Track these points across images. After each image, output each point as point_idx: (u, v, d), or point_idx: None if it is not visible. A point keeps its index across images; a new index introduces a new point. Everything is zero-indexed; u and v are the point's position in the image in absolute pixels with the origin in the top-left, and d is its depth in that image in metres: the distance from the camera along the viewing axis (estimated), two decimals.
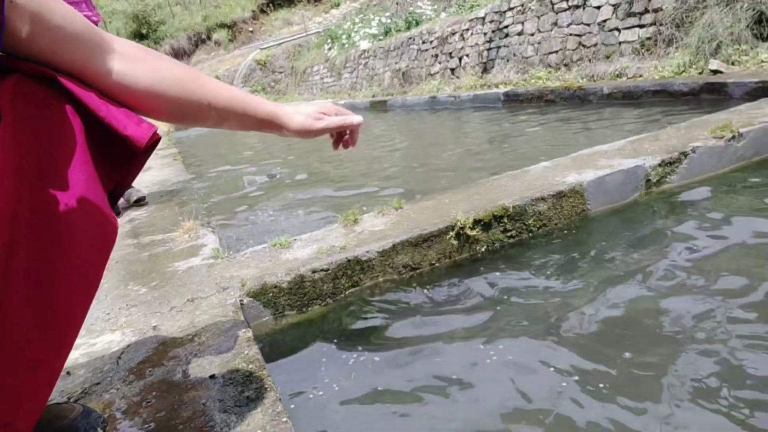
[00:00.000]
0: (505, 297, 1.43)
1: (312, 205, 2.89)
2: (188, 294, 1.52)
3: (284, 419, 0.87)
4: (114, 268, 1.92)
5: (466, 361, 1.19)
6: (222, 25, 22.74)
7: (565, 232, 1.74)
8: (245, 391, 0.96)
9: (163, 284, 1.64)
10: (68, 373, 1.16)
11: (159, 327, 1.34)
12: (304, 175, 3.89)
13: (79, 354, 1.26)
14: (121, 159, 0.84)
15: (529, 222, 1.73)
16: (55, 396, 1.06)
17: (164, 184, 3.57)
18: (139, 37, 22.78)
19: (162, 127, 10.89)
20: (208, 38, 22.74)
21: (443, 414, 1.04)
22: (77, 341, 1.29)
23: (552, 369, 1.10)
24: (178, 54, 22.45)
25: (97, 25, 2.40)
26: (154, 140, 0.83)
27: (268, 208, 3.04)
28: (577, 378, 1.06)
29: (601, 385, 1.03)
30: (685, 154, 1.96)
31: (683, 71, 4.29)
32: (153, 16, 23.20)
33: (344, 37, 12.48)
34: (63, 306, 0.72)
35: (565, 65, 5.84)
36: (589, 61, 5.51)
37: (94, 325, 1.44)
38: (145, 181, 3.86)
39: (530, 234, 1.73)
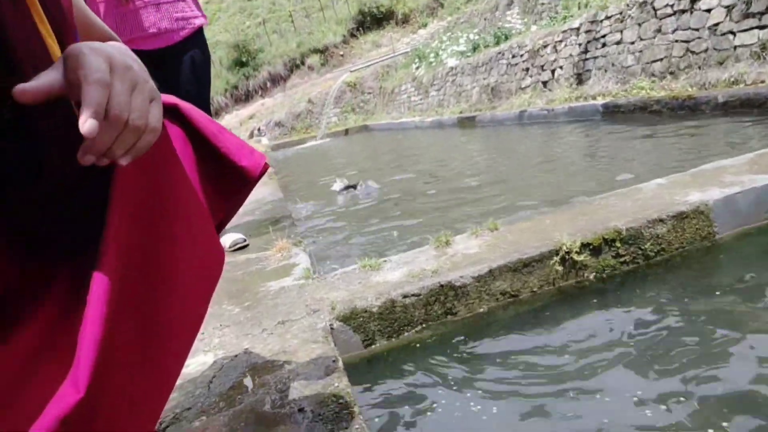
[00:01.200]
0: (620, 336, 1.27)
1: (396, 221, 2.83)
2: (279, 316, 1.50)
3: None
4: None
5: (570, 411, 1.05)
6: (315, 51, 23.70)
7: (689, 259, 1.53)
8: (335, 430, 0.90)
9: (256, 305, 1.64)
10: None
11: (250, 350, 1.33)
12: (385, 188, 3.85)
13: None
14: (232, 188, 0.84)
15: (646, 246, 1.54)
16: None
17: (260, 203, 3.69)
18: (239, 64, 24.29)
19: (259, 148, 11.50)
20: (302, 63, 23.78)
21: None
22: None
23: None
24: (275, 79, 23.67)
25: (203, 27, 2.43)
26: (265, 170, 0.83)
27: (356, 223, 3.02)
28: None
29: None
30: None
31: None
32: (252, 45, 24.67)
33: (432, 55, 12.51)
34: (169, 340, 0.70)
35: (671, 73, 5.41)
36: (699, 68, 5.06)
37: None
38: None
39: (647, 260, 1.55)
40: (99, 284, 0.58)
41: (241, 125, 20.73)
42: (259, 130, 18.55)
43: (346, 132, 14.75)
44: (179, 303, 0.72)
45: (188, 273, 0.74)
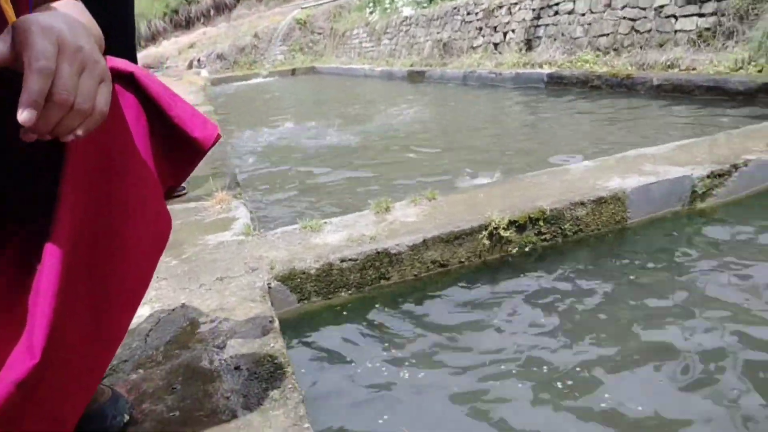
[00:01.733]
0: (534, 304, 1.40)
1: (338, 174, 2.87)
2: (218, 272, 1.53)
3: (306, 425, 0.87)
4: None
5: (482, 359, 1.18)
6: None
7: (600, 240, 1.69)
8: (269, 389, 0.97)
9: (194, 258, 1.66)
10: None
11: (188, 305, 1.36)
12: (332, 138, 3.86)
13: None
14: (183, 157, 0.86)
15: (566, 227, 1.68)
16: None
17: None
18: None
19: (198, 81, 10.94)
20: None
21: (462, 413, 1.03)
22: None
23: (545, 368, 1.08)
24: (220, 7, 22.32)
25: None
26: (216, 140, 0.85)
27: (298, 173, 3.04)
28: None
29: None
30: (736, 167, 1.87)
31: (740, 68, 4.07)
32: None
33: (387, 1, 12.19)
34: (118, 300, 0.73)
35: (615, 50, 5.60)
36: (641, 47, 5.27)
37: None
38: None
39: (565, 238, 1.69)
40: (53, 252, 0.61)
41: (179, 54, 19.56)
42: (198, 61, 17.59)
43: (293, 72, 14.31)
44: (128, 267, 0.75)
45: (137, 239, 0.77)
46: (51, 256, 0.62)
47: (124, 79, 0.78)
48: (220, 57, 17.42)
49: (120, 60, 0.80)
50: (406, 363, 1.24)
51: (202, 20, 22.33)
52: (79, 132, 0.58)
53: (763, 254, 1.51)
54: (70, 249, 0.64)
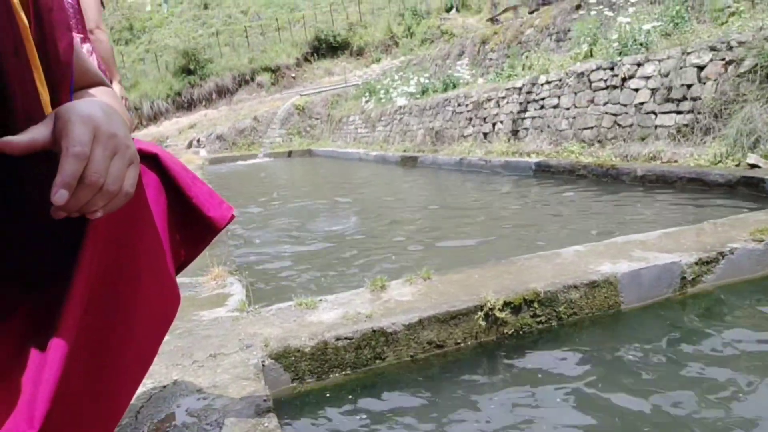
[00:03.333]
0: (528, 392, 1.39)
1: (335, 254, 2.90)
2: (211, 348, 1.52)
3: None
4: None
5: None
6: (266, 69, 23.63)
7: (596, 324, 1.70)
8: None
9: (187, 334, 1.64)
10: None
11: (180, 382, 1.34)
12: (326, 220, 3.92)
13: None
14: (197, 235, 0.89)
15: (560, 309, 1.70)
16: None
17: None
18: (186, 72, 23.77)
19: (196, 160, 11.22)
20: (252, 79, 23.61)
21: None
22: None
23: None
24: (222, 91, 23.32)
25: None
26: (231, 220, 0.89)
27: (294, 252, 3.05)
28: None
29: None
30: (722, 255, 1.92)
31: (719, 161, 4.27)
32: (202, 54, 24.27)
33: (382, 91, 12.83)
34: (123, 374, 0.73)
35: (599, 142, 5.87)
36: (624, 140, 5.53)
37: None
38: None
39: (560, 322, 1.70)
40: (66, 322, 0.62)
41: (180, 133, 20.16)
42: (198, 141, 18.11)
43: (290, 154, 14.73)
44: (135, 342, 0.76)
45: (146, 314, 0.78)
46: (64, 326, 0.62)
47: (148, 159, 0.82)
48: (220, 138, 17.97)
49: (145, 142, 0.85)
50: None
51: (203, 103, 23.25)
52: (105, 210, 0.62)
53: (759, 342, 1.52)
54: (81, 321, 0.65)
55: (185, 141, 18.41)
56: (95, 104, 0.63)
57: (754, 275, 1.96)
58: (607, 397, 1.32)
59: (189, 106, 23.34)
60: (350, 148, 12.22)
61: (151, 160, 0.82)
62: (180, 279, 2.26)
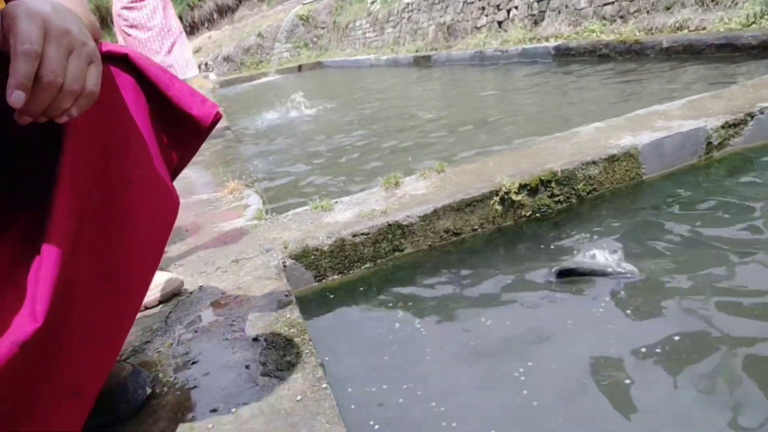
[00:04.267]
0: (549, 265, 1.39)
1: (350, 158, 2.87)
2: (232, 255, 1.55)
3: (324, 385, 0.87)
4: None
5: (503, 333, 1.17)
6: None
7: (617, 197, 1.66)
8: (286, 355, 0.98)
9: (209, 244, 1.68)
10: None
11: (205, 287, 1.38)
12: (342, 130, 3.86)
13: None
14: (185, 136, 0.87)
15: (579, 187, 1.66)
16: None
17: (210, 143, 3.62)
18: None
19: (206, 85, 11.03)
20: None
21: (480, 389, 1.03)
22: None
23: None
24: (222, 10, 22.41)
25: None
26: (217, 119, 0.86)
27: (308, 160, 3.04)
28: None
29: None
30: (751, 115, 1.82)
31: (753, 22, 3.95)
32: None
33: None
34: (127, 278, 0.75)
35: (621, 17, 5.49)
36: (648, 12, 5.16)
37: None
38: None
39: (579, 199, 1.67)
40: (53, 226, 0.62)
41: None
42: (206, 65, 17.70)
43: (300, 68, 14.31)
44: (136, 244, 0.76)
45: (144, 216, 0.78)
46: (52, 230, 0.63)
47: (120, 61, 0.78)
48: (227, 59, 17.51)
49: (115, 45, 0.81)
50: (424, 330, 1.24)
51: (206, 24, 22.45)
52: (73, 112, 0.59)
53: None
54: (71, 223, 0.65)
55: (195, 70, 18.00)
56: (44, 1, 0.58)
57: None
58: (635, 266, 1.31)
59: (191, 29, 22.58)
60: (360, 55, 11.77)
61: (122, 61, 0.78)
62: (198, 196, 2.29)
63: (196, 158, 3.12)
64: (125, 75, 0.79)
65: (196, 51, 20.00)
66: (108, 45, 0.78)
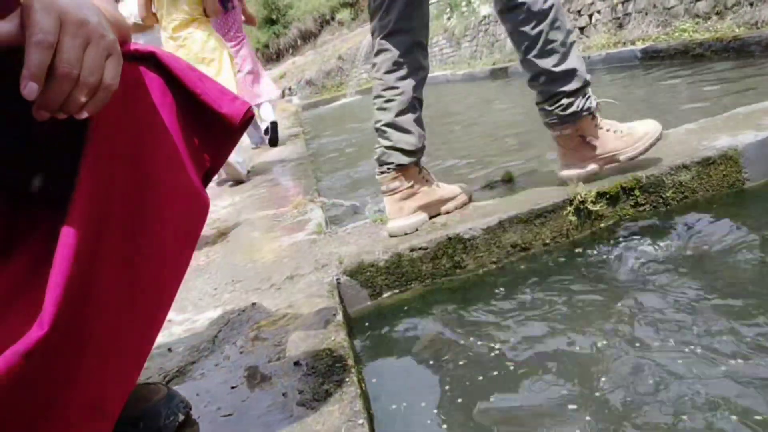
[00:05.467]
0: (635, 293, 1.21)
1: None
2: (288, 271, 1.50)
3: (360, 421, 0.78)
4: (227, 243, 1.98)
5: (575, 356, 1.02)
6: (344, 4, 23.16)
7: (714, 206, 1.44)
8: (325, 383, 0.89)
9: (268, 259, 1.65)
10: (169, 349, 1.19)
11: (257, 305, 1.34)
12: None
13: (182, 330, 1.29)
14: (216, 136, 0.84)
15: (668, 195, 1.46)
16: (154, 373, 1.09)
17: (284, 162, 3.69)
18: (269, 22, 24.05)
19: (290, 108, 11.46)
20: (332, 18, 23.33)
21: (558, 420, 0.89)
22: (182, 316, 1.33)
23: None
24: (306, 36, 23.38)
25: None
26: (248, 117, 0.82)
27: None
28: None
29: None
30: None
31: None
32: (281, 1, 24.30)
33: (464, 3, 12.03)
34: (152, 286, 0.71)
35: (717, 13, 5.03)
36: (751, 5, 4.68)
37: (202, 300, 1.48)
38: (270, 156, 4.06)
39: (668, 208, 1.46)
40: (68, 229, 0.59)
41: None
42: (290, 89, 18.47)
43: None
44: (163, 251, 0.72)
45: (172, 222, 0.74)
46: (65, 234, 0.59)
47: (147, 60, 0.76)
48: (309, 83, 18.19)
49: (141, 44, 0.78)
50: (483, 356, 1.11)
51: (290, 51, 23.53)
52: (90, 108, 0.57)
53: None
54: (88, 227, 0.61)
55: (278, 91, 18.86)
56: None
57: None
58: (728, 295, 1.11)
59: (277, 56, 23.76)
60: (436, 72, 11.74)
61: (149, 60, 0.75)
62: (264, 212, 2.30)
63: (267, 176, 3.19)
64: (153, 74, 0.76)
65: (281, 76, 20.97)
66: (135, 44, 0.76)
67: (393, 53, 1.49)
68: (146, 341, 0.72)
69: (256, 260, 1.67)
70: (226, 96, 0.80)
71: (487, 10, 10.32)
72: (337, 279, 1.40)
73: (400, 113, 1.50)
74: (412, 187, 1.53)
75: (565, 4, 7.46)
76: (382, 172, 1.54)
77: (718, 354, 0.92)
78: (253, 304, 1.35)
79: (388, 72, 1.50)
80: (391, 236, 1.51)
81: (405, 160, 1.51)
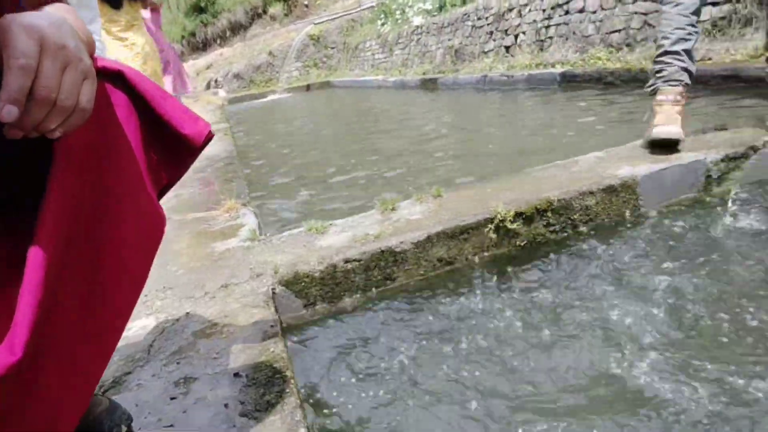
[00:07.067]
0: (541, 302, 1.36)
1: (351, 184, 2.86)
2: (222, 279, 1.53)
3: (302, 430, 0.84)
4: None
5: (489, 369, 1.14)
6: None
7: (613, 228, 1.63)
8: (266, 394, 0.95)
9: (201, 266, 1.66)
10: None
11: (192, 314, 1.35)
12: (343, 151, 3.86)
13: None
14: (176, 155, 0.85)
15: (575, 217, 1.63)
16: None
17: (212, 160, 3.63)
18: (198, 10, 23.18)
19: (215, 101, 11.13)
20: (264, 12, 22.85)
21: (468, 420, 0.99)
22: None
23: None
24: (235, 27, 22.73)
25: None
26: (209, 138, 0.84)
27: (309, 180, 3.03)
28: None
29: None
30: (754, 149, 1.79)
31: (761, 55, 3.94)
32: None
33: (398, 12, 12.25)
34: (111, 304, 0.72)
35: (628, 45, 5.51)
36: (654, 41, 5.17)
37: None
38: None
39: (575, 230, 1.64)
40: (38, 249, 0.59)
41: (197, 75, 19.90)
42: (216, 81, 17.91)
43: (308, 87, 14.44)
44: (121, 266, 0.73)
45: (130, 236, 0.75)
46: (35, 254, 0.60)
47: (113, 78, 0.77)
48: (237, 76, 17.71)
49: (109, 60, 0.80)
50: (409, 365, 1.20)
51: (218, 41, 22.77)
52: (64, 129, 0.59)
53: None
54: (56, 246, 0.62)
55: (203, 82, 18.22)
56: (42, 15, 0.58)
57: None
58: (628, 297, 1.28)
59: (204, 46, 22.91)
60: (368, 76, 11.88)
61: (116, 78, 0.76)
62: (193, 214, 2.27)
63: (196, 175, 3.13)
64: (118, 92, 0.77)
65: (208, 67, 20.26)
66: (103, 60, 0.77)
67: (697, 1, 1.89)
68: (103, 359, 0.73)
69: (188, 266, 1.67)
70: (189, 116, 0.83)
71: (419, 20, 10.58)
72: (273, 289, 1.44)
73: (693, 46, 1.92)
74: (683, 103, 1.90)
75: (494, 23, 7.83)
76: (672, 86, 1.90)
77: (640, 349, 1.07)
78: (187, 313, 1.37)
79: (694, 13, 1.91)
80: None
81: (689, 81, 1.92)
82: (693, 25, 1.92)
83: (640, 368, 1.05)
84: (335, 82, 13.58)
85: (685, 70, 1.91)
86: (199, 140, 0.84)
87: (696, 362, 1.04)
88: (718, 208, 1.66)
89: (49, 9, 0.72)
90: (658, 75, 1.96)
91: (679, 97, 1.90)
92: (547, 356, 1.14)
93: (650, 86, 1.99)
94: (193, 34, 22.91)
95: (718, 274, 1.32)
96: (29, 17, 0.56)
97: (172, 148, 0.84)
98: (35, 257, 0.60)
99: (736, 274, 1.31)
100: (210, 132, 0.86)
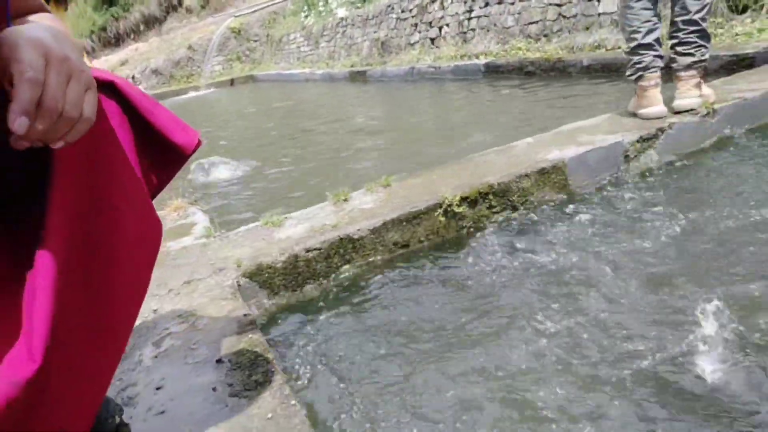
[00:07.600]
0: (489, 277, 1.49)
1: (293, 178, 2.91)
2: (184, 276, 1.55)
3: (293, 402, 0.91)
4: None
5: (445, 339, 1.26)
6: None
7: (546, 207, 1.80)
8: (253, 374, 1.01)
9: (158, 265, 1.66)
10: None
11: (159, 311, 1.38)
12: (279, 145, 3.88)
13: None
14: (166, 161, 0.88)
15: (513, 198, 1.78)
16: None
17: None
18: (108, 3, 21.89)
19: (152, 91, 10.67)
20: (180, 4, 21.95)
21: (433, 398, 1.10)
22: None
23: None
24: (149, 21, 21.70)
25: None
26: (198, 145, 0.88)
27: (251, 177, 3.04)
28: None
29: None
30: (662, 130, 2.02)
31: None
32: None
33: (321, 4, 12.20)
34: (117, 308, 0.74)
35: (545, 36, 5.84)
36: (569, 32, 5.52)
37: None
38: None
39: (514, 210, 1.79)
40: (46, 254, 0.61)
41: (112, 72, 18.82)
42: (133, 78, 17.06)
43: (232, 82, 14.08)
44: (124, 270, 0.76)
45: (131, 241, 0.77)
46: (44, 259, 0.61)
47: (105, 87, 0.79)
48: (155, 72, 16.94)
49: (99, 69, 0.82)
50: (378, 344, 1.30)
51: (132, 36, 21.65)
52: (68, 138, 0.61)
53: (693, 201, 1.66)
54: (63, 252, 0.64)
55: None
56: (42, 28, 0.60)
57: (697, 147, 2.07)
58: (564, 267, 1.43)
59: (116, 41, 21.72)
60: (295, 69, 11.77)
61: (108, 87, 0.79)
62: None
63: None
64: (110, 101, 0.80)
65: (123, 63, 19.22)
66: (95, 71, 0.79)
67: None
68: (113, 362, 0.75)
69: None
70: (178, 124, 0.86)
71: (343, 12, 10.60)
72: (237, 281, 1.49)
73: (660, 33, 2.10)
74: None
75: (418, 16, 8.01)
76: (651, 73, 2.09)
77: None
78: (155, 310, 1.39)
79: (654, 4, 2.10)
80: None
81: (662, 65, 2.12)
82: (657, 16, 2.12)
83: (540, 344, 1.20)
84: (260, 75, 13.34)
85: (659, 57, 2.13)
86: (189, 148, 0.87)
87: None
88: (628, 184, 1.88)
89: (41, 21, 0.74)
90: (638, 65, 2.15)
91: (658, 81, 2.13)
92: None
93: (632, 74, 2.19)
94: (103, 29, 21.64)
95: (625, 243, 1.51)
96: (33, 31, 0.58)
97: (163, 156, 0.87)
98: (45, 264, 0.62)
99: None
100: (199, 140, 0.89)
